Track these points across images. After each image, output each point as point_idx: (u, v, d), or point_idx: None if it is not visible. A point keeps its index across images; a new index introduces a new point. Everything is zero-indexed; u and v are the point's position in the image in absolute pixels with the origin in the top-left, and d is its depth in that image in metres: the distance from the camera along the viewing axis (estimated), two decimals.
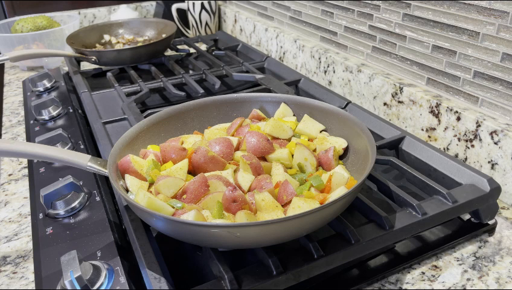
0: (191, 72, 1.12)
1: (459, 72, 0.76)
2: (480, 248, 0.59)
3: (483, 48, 0.70)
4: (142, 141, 0.66)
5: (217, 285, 0.46)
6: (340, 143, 0.65)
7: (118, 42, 1.28)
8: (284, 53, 1.22)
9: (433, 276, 0.55)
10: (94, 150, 0.81)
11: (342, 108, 0.83)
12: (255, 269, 0.48)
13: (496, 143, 0.67)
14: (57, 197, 0.62)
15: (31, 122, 0.92)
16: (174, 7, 1.51)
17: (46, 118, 0.91)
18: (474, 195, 0.59)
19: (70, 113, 0.94)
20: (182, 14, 1.55)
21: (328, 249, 0.50)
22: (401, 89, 0.84)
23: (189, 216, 0.49)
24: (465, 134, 0.72)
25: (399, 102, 0.85)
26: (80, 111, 0.97)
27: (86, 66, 1.26)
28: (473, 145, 0.72)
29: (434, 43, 0.79)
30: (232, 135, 0.67)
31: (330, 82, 1.04)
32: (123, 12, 1.58)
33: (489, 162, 0.69)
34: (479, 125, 0.70)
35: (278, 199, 0.54)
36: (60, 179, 0.65)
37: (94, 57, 1.10)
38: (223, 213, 0.51)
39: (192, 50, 1.31)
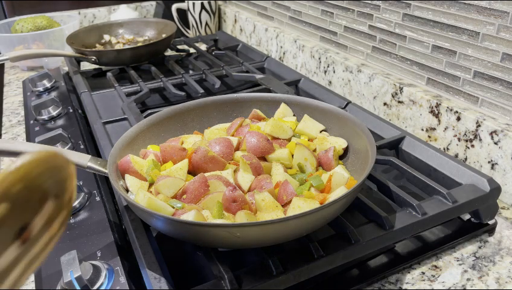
0: (191, 72, 1.12)
1: (459, 72, 0.76)
2: (480, 248, 0.59)
3: (483, 48, 0.70)
4: (142, 141, 0.66)
5: (217, 285, 0.46)
6: (340, 143, 0.65)
7: (118, 42, 1.28)
8: (284, 53, 1.22)
9: (433, 276, 0.55)
10: (94, 150, 0.81)
11: (342, 108, 0.83)
12: (255, 269, 0.48)
13: (496, 143, 0.67)
14: None
15: (31, 122, 0.92)
16: (174, 7, 1.51)
17: (46, 118, 0.91)
18: (474, 195, 0.59)
19: (70, 113, 0.94)
20: (182, 14, 1.55)
21: (328, 249, 0.50)
22: (401, 89, 0.84)
23: (189, 216, 0.49)
24: (465, 134, 0.72)
25: (399, 102, 0.85)
26: (79, 111, 0.97)
27: (86, 66, 1.26)
28: (473, 145, 0.72)
29: (434, 43, 0.79)
30: (232, 135, 0.67)
31: (330, 82, 1.04)
32: (123, 12, 1.58)
33: (489, 162, 0.69)
34: (479, 125, 0.70)
35: (278, 199, 0.54)
36: None
37: (94, 57, 1.10)
38: (223, 213, 0.51)
39: (192, 50, 1.31)
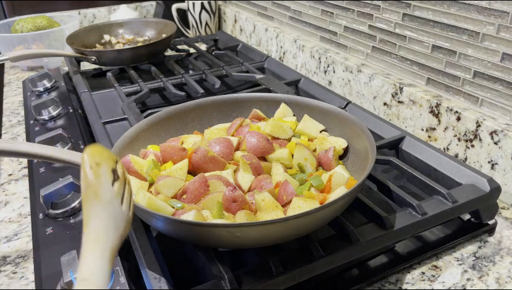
0: (191, 72, 1.12)
1: (459, 72, 0.76)
2: (480, 248, 0.59)
3: (483, 48, 0.70)
4: (142, 141, 0.66)
5: (217, 285, 0.46)
6: (340, 143, 0.65)
7: (118, 42, 1.28)
8: (284, 53, 1.22)
9: (433, 276, 0.55)
10: None
11: (342, 108, 0.83)
12: (255, 269, 0.48)
13: (496, 143, 0.67)
14: (57, 197, 0.62)
15: (31, 122, 0.92)
16: (174, 7, 1.51)
17: (46, 118, 0.91)
18: (474, 195, 0.59)
19: (70, 113, 0.94)
20: (182, 14, 1.55)
21: (328, 249, 0.50)
22: (401, 89, 0.84)
23: (189, 216, 0.49)
24: (465, 134, 0.72)
25: (399, 102, 0.85)
26: (79, 111, 0.97)
27: (86, 66, 1.26)
28: (473, 145, 0.72)
29: (434, 43, 0.79)
30: (232, 135, 0.67)
31: (330, 82, 1.04)
32: (123, 12, 1.58)
33: (489, 162, 0.69)
34: (479, 125, 0.70)
35: (278, 199, 0.54)
36: (60, 179, 0.65)
37: (94, 57, 1.10)
38: (223, 213, 0.51)
39: (192, 50, 1.31)
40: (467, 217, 0.63)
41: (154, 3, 1.74)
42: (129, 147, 0.63)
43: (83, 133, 0.85)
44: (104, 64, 1.13)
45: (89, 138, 0.85)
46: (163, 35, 1.27)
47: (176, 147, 0.61)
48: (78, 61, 1.17)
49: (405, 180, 0.69)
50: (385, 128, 0.76)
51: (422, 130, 0.81)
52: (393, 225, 0.54)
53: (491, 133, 0.68)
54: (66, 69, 1.25)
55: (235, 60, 1.15)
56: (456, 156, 0.75)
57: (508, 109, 0.69)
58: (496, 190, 0.60)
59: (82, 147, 0.80)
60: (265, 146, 0.62)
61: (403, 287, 0.53)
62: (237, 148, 0.65)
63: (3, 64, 1.42)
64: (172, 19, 1.54)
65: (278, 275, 0.47)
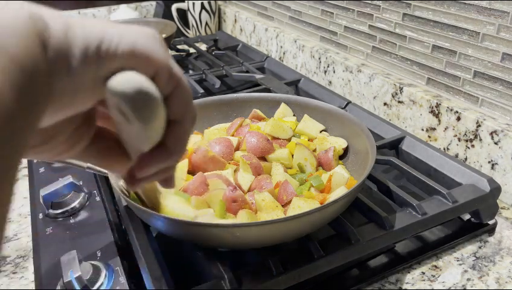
0: (191, 72, 1.12)
1: (459, 72, 0.76)
2: (480, 248, 0.59)
3: (483, 48, 0.70)
4: None
5: (217, 285, 0.46)
6: (340, 143, 0.65)
7: None
8: (284, 53, 1.22)
9: (433, 276, 0.55)
10: None
11: (342, 108, 0.83)
12: (255, 269, 0.48)
13: (496, 143, 0.67)
14: (57, 197, 0.62)
15: None
16: (174, 7, 1.51)
17: None
18: (474, 195, 0.59)
19: None
20: (182, 14, 1.55)
21: (328, 249, 0.50)
22: (401, 89, 0.84)
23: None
24: (465, 134, 0.72)
25: (399, 102, 0.85)
26: None
27: None
28: (473, 145, 0.72)
29: (434, 43, 0.79)
30: (232, 135, 0.67)
31: (330, 82, 1.04)
32: (123, 12, 1.58)
33: (489, 162, 0.69)
34: (479, 125, 0.70)
35: (278, 199, 0.54)
36: (60, 179, 0.65)
37: None
38: (225, 213, 0.51)
39: (192, 50, 1.31)
40: (467, 217, 0.63)
41: (154, 3, 1.74)
42: None
43: None
44: None
45: None
46: (163, 35, 1.27)
47: None
48: None
49: (405, 180, 0.69)
50: (385, 128, 0.76)
51: (423, 130, 0.81)
52: (393, 225, 0.54)
53: (491, 133, 0.68)
54: None
55: (235, 60, 1.15)
56: (456, 156, 0.75)
57: (508, 109, 0.69)
58: (496, 190, 0.60)
59: None
60: (265, 146, 0.62)
61: (403, 287, 0.53)
62: (237, 148, 0.65)
63: None
64: (172, 19, 1.54)
65: (278, 275, 0.47)
